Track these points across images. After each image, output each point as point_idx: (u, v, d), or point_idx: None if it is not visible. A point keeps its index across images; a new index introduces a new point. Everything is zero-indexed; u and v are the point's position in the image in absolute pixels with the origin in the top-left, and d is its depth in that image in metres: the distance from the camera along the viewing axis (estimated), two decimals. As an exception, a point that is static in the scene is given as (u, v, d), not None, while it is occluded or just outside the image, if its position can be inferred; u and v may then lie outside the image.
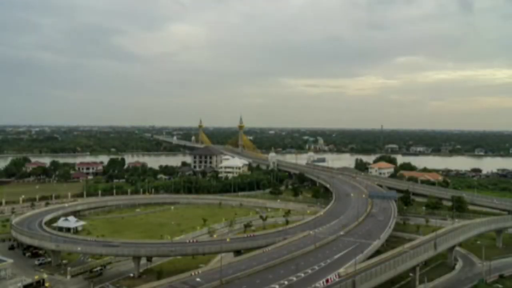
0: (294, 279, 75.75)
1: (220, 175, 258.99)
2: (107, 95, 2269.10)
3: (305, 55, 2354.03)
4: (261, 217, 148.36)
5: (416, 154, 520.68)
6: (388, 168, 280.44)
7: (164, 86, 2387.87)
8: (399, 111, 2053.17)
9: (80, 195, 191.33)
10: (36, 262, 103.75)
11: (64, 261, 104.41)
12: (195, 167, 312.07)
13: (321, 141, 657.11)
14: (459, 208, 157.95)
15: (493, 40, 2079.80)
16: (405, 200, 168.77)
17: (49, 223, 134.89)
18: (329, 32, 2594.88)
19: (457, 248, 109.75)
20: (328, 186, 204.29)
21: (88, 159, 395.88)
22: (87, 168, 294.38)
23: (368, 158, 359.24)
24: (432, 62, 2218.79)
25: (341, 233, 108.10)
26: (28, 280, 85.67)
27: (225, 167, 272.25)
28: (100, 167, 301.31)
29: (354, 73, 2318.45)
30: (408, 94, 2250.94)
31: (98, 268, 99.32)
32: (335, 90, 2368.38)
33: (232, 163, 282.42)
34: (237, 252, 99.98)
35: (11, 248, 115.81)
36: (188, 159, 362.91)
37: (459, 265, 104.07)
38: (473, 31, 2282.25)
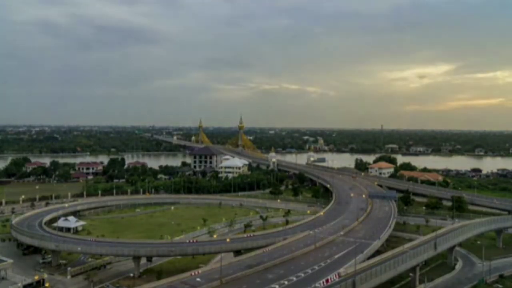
0: (294, 279, 75.75)
1: (220, 175, 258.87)
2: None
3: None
4: (261, 217, 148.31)
5: (416, 154, 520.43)
6: (388, 168, 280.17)
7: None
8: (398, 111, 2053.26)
9: (80, 195, 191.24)
10: (40, 261, 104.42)
11: (64, 261, 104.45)
12: (195, 167, 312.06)
13: (321, 141, 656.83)
14: (459, 208, 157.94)
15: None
16: (405, 200, 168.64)
17: (49, 223, 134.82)
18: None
19: (457, 248, 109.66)
20: (328, 186, 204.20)
21: (88, 159, 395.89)
22: (87, 168, 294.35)
23: (368, 158, 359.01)
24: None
25: (341, 233, 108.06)
26: (28, 280, 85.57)
27: (225, 167, 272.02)
28: (100, 167, 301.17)
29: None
30: (408, 95, 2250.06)
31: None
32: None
33: (232, 163, 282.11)
34: (237, 252, 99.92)
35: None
36: (188, 159, 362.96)
37: (459, 265, 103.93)
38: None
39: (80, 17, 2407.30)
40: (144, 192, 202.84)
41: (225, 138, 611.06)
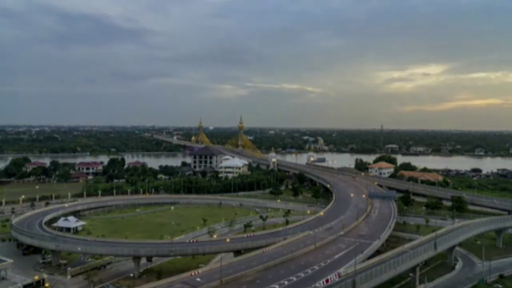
0: (294, 279, 75.75)
1: (220, 175, 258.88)
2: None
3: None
4: (261, 217, 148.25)
5: (416, 154, 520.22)
6: (388, 168, 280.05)
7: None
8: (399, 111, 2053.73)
9: (80, 195, 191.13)
10: (40, 261, 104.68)
11: (64, 261, 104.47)
12: (195, 167, 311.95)
13: (321, 141, 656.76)
14: (459, 208, 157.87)
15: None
16: (405, 200, 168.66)
17: (49, 223, 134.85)
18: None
19: (457, 248, 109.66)
20: (328, 186, 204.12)
21: (88, 159, 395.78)
22: (87, 168, 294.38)
23: (368, 158, 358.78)
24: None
25: (341, 233, 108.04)
26: (28, 280, 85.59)
27: (225, 167, 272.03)
28: (100, 167, 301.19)
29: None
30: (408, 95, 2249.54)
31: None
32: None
33: (232, 163, 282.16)
34: (237, 252, 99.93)
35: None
36: (188, 159, 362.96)
37: (459, 265, 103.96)
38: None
39: (54, 9, 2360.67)
40: (144, 192, 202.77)
41: (225, 138, 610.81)
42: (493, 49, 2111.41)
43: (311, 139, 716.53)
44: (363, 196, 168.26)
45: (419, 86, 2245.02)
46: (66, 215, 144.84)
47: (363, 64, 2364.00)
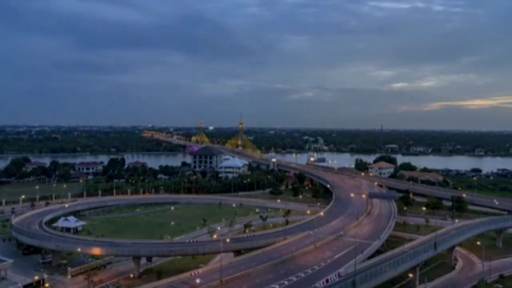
0: (294, 279, 75.84)
1: (220, 175, 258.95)
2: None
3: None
4: (261, 217, 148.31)
5: (416, 154, 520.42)
6: (388, 168, 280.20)
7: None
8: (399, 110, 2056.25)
9: (80, 195, 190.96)
10: (40, 261, 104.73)
11: (64, 261, 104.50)
12: (195, 167, 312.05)
13: (321, 141, 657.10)
14: (459, 208, 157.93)
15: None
16: (405, 200, 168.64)
17: (49, 223, 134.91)
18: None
19: (457, 248, 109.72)
20: (328, 186, 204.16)
21: (88, 159, 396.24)
22: (87, 168, 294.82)
23: (368, 158, 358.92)
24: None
25: (341, 233, 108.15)
26: (28, 280, 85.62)
27: (225, 167, 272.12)
28: (100, 167, 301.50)
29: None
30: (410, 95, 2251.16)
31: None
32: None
33: (232, 163, 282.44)
34: (237, 252, 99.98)
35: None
36: (188, 159, 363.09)
37: (459, 265, 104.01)
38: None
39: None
40: (144, 192, 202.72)
41: (225, 138, 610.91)
42: (493, 49, 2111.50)
43: (311, 139, 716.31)
44: (363, 196, 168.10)
45: (419, 86, 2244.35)
46: (66, 215, 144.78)
47: (362, 64, 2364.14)
